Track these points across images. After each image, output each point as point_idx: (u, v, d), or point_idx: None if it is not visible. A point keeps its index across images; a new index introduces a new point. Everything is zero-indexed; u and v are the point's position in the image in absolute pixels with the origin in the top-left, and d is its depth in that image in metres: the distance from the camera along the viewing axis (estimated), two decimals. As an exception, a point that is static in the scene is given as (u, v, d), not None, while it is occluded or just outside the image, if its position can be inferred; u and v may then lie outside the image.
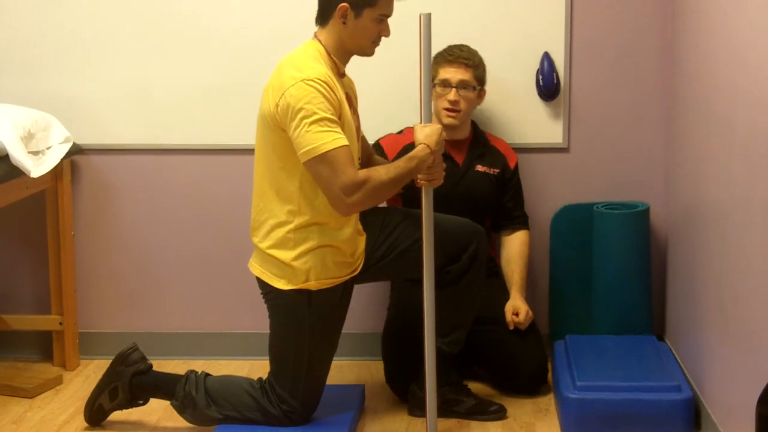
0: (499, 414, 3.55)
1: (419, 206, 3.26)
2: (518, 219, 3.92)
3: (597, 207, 3.90)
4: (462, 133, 3.83)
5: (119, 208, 4.10)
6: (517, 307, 3.77)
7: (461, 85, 3.71)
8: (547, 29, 3.89)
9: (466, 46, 3.78)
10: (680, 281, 3.75)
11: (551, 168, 4.00)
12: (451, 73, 3.72)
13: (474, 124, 3.89)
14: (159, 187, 4.08)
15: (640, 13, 3.90)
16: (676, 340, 3.81)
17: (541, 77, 3.88)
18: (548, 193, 4.01)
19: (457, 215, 3.51)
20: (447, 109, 3.72)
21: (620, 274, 3.85)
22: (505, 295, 3.84)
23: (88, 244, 4.13)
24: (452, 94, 3.71)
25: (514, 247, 3.89)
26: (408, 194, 3.60)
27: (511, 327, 3.75)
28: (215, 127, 4.01)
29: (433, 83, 3.67)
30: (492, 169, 3.84)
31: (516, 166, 3.90)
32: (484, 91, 3.81)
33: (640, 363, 3.61)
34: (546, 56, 3.88)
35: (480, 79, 3.77)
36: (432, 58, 3.44)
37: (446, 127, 3.61)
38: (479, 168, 3.83)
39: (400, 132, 3.86)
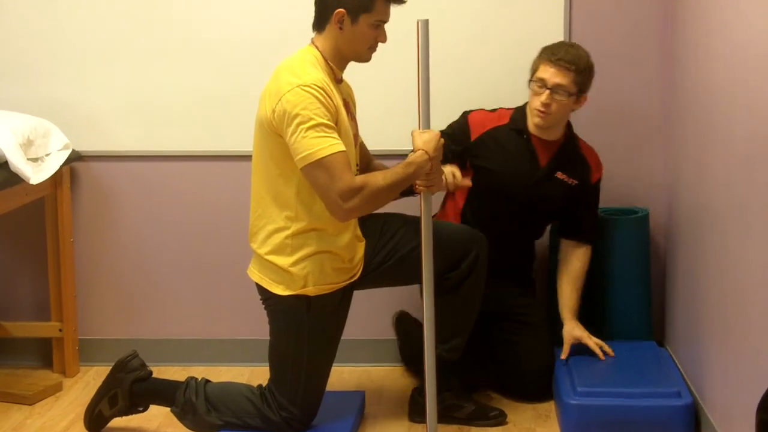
0: (500, 419, 3.55)
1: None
2: (587, 233, 3.80)
3: (597, 212, 3.90)
4: (553, 134, 3.72)
5: (118, 214, 4.11)
6: (577, 337, 3.71)
7: (557, 88, 3.60)
8: (545, 34, 3.87)
9: (576, 48, 3.65)
10: (680, 286, 3.74)
11: (551, 174, 3.99)
12: (550, 74, 3.59)
13: (569, 128, 3.77)
14: (158, 193, 4.08)
15: (639, 18, 3.90)
16: (676, 345, 3.80)
17: (541, 84, 3.88)
18: (548, 198, 4.00)
19: (520, 216, 3.61)
20: (538, 110, 3.64)
21: (620, 279, 3.85)
22: (520, 290, 3.84)
23: (87, 251, 4.13)
24: (545, 96, 3.59)
25: (577, 264, 3.79)
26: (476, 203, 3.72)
27: (565, 356, 3.69)
28: (214, 134, 4.01)
29: (531, 77, 3.64)
30: (571, 180, 3.73)
31: (598, 181, 3.79)
32: (585, 98, 3.67)
33: (640, 368, 3.61)
34: (546, 62, 3.87)
35: (581, 85, 3.62)
36: (539, 53, 3.57)
37: (535, 127, 3.62)
38: (559, 175, 3.73)
39: (494, 111, 3.78)
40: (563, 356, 3.67)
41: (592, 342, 3.68)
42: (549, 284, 4.01)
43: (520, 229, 3.80)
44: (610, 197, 3.96)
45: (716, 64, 3.18)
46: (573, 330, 3.72)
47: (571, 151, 3.75)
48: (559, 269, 3.82)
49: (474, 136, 3.70)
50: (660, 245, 3.99)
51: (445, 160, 3.41)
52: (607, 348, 3.68)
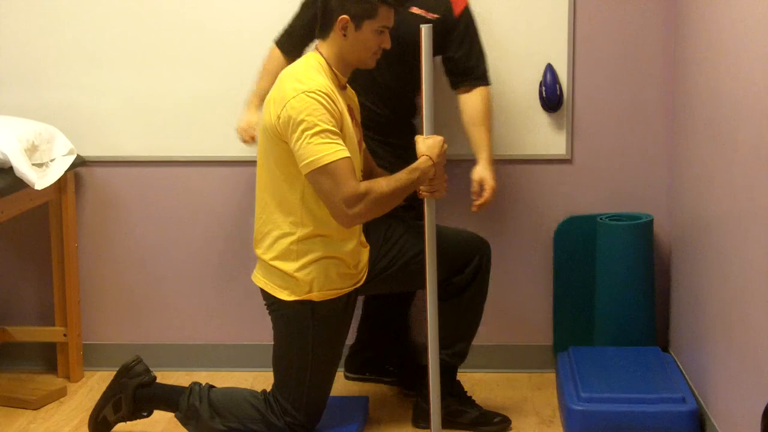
0: (503, 425, 3.55)
1: None
2: (473, 71, 3.65)
3: (600, 218, 3.90)
4: None
5: (123, 219, 4.11)
6: (484, 179, 3.56)
7: None
8: (550, 41, 3.89)
9: None
10: (684, 292, 3.74)
11: (555, 179, 4.00)
12: None
13: None
14: (162, 198, 4.09)
15: (643, 25, 3.90)
16: (680, 351, 3.80)
17: (544, 89, 3.89)
18: (552, 204, 4.00)
19: (390, 65, 3.44)
20: None
21: (624, 285, 3.84)
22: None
23: (91, 256, 4.13)
24: None
25: (476, 105, 3.64)
26: None
27: (476, 205, 3.55)
28: (219, 140, 4.01)
29: None
30: (430, 14, 3.53)
31: (465, 12, 3.61)
32: None
33: (645, 374, 3.61)
34: (549, 68, 3.88)
35: None
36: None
37: None
38: (415, 10, 3.54)
39: None
40: (474, 197, 3.56)
41: (489, 188, 3.55)
42: (554, 301, 4.01)
43: (396, 80, 3.60)
44: (613, 203, 3.97)
45: (721, 69, 3.19)
46: (482, 171, 3.57)
47: None
48: (463, 120, 3.66)
49: None
50: (664, 251, 3.99)
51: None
52: (487, 194, 3.54)
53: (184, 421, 3.41)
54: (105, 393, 3.50)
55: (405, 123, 3.72)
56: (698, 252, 3.49)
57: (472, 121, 3.64)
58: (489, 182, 3.55)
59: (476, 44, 3.67)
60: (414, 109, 3.70)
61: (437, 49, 3.37)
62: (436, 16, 3.53)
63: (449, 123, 3.66)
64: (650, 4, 3.89)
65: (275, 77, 3.29)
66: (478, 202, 3.56)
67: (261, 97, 3.50)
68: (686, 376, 3.63)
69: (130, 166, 4.07)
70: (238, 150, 3.96)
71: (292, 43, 3.70)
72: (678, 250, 3.86)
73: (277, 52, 3.71)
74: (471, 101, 3.65)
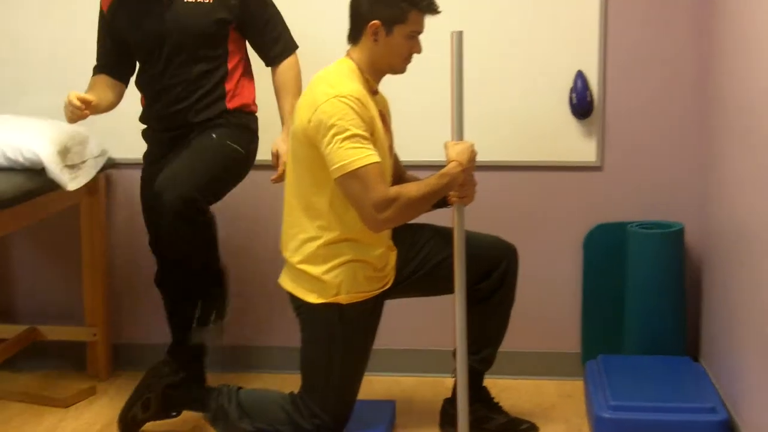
0: (530, 432, 3.55)
1: None
2: (275, 47, 3.63)
3: (631, 226, 3.88)
4: None
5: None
6: (280, 150, 3.57)
7: None
8: (581, 47, 3.88)
9: None
10: (715, 302, 3.72)
11: (585, 187, 3.99)
12: None
13: None
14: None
15: (675, 31, 3.88)
16: (711, 361, 3.78)
17: (574, 95, 3.88)
18: (581, 211, 3.99)
19: (167, 56, 3.49)
20: None
21: (654, 293, 3.82)
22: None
23: (121, 257, 4.16)
24: None
25: (286, 74, 3.63)
26: None
27: (272, 179, 3.56)
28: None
29: None
30: None
31: None
32: None
33: (675, 384, 3.58)
34: (579, 74, 3.87)
35: None
36: None
37: None
38: None
39: None
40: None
41: (282, 161, 3.54)
42: (583, 308, 4.00)
43: (184, 74, 3.55)
44: (644, 211, 3.95)
45: (754, 76, 3.17)
46: (279, 141, 3.60)
47: None
48: (274, 89, 3.64)
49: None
50: (695, 259, 3.97)
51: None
52: (281, 167, 3.52)
53: (212, 421, 3.42)
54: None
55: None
56: (730, 261, 3.47)
57: (281, 91, 3.63)
58: (283, 155, 3.54)
59: (273, 16, 3.63)
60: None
61: (219, 35, 3.53)
62: (209, 0, 3.51)
63: (473, 127, 3.65)
64: (681, 10, 3.87)
65: (100, 97, 3.53)
66: (273, 177, 3.59)
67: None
68: (716, 386, 3.60)
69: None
70: (267, 154, 3.97)
71: (110, 67, 3.70)
72: (709, 258, 3.83)
73: (103, 77, 3.71)
74: (281, 72, 3.64)
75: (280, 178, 3.52)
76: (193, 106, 3.55)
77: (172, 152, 3.55)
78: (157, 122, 3.65)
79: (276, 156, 3.60)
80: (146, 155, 3.73)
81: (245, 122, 3.63)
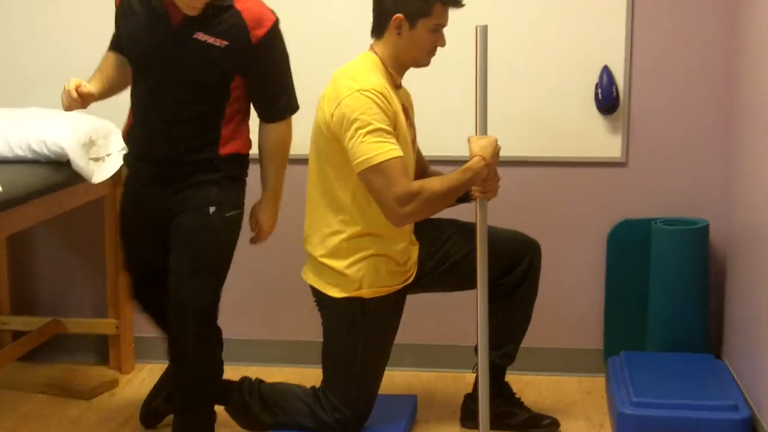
0: (552, 428, 3.54)
1: None
2: (275, 108, 3.26)
3: (655, 223, 3.87)
4: None
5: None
6: (264, 222, 3.37)
7: None
8: (607, 43, 3.86)
9: None
10: (739, 299, 3.70)
11: (609, 182, 3.97)
12: None
13: None
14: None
15: (701, 27, 3.86)
16: (734, 359, 3.76)
17: (600, 91, 3.86)
18: (606, 207, 3.98)
19: (170, 90, 3.12)
20: None
21: (677, 290, 3.81)
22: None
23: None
24: None
25: (274, 139, 3.27)
26: None
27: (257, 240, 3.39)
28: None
29: None
30: (220, 41, 3.08)
31: (267, 37, 3.12)
32: None
33: (697, 381, 3.57)
34: (605, 70, 3.85)
35: None
36: None
37: None
38: (200, 36, 3.08)
39: None
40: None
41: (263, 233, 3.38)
42: (605, 305, 3.98)
43: (177, 105, 3.16)
44: (668, 208, 3.93)
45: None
46: (261, 213, 3.37)
47: (216, 8, 3.09)
48: (261, 149, 3.30)
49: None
50: (719, 256, 3.94)
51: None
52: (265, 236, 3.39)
53: (234, 414, 3.43)
54: (157, 385, 3.54)
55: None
56: (754, 258, 3.45)
57: (269, 158, 3.30)
58: (265, 226, 3.38)
59: (284, 76, 3.25)
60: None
61: (223, 81, 3.15)
62: (225, 42, 3.09)
63: (497, 122, 3.64)
64: (708, 6, 3.85)
65: (107, 77, 3.30)
66: (253, 239, 3.43)
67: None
68: (739, 383, 3.59)
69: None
70: (291, 148, 3.97)
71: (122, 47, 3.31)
72: (734, 255, 3.81)
73: (112, 55, 3.36)
74: (274, 136, 3.28)
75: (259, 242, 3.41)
76: (181, 141, 3.17)
77: (158, 214, 3.22)
78: (139, 147, 3.28)
79: (257, 226, 3.37)
80: (126, 185, 3.41)
81: (236, 173, 3.28)
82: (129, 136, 3.31)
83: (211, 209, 3.19)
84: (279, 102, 3.25)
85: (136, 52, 3.19)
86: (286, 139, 3.31)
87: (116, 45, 3.33)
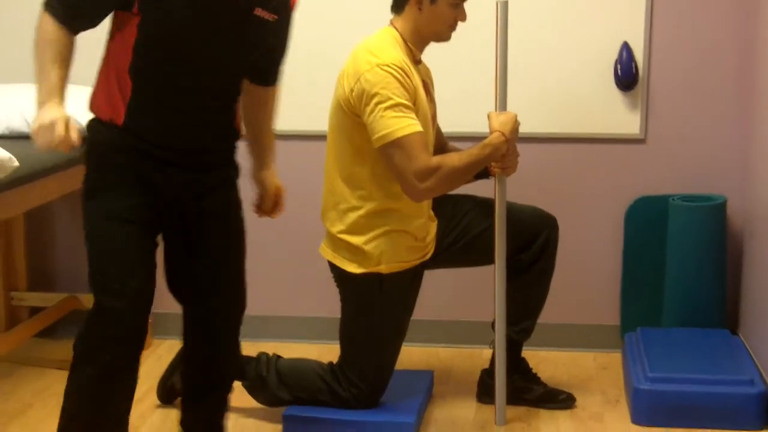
0: (568, 403, 3.54)
1: None
2: (278, 71, 3.00)
3: (673, 199, 3.86)
4: None
5: (194, 190, 4.15)
6: (278, 187, 3.12)
7: None
8: (627, 19, 3.85)
9: None
10: (756, 275, 3.70)
11: (627, 159, 3.97)
12: None
13: None
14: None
15: (720, 3, 3.84)
16: (750, 334, 3.76)
17: (619, 67, 3.85)
18: (624, 183, 3.97)
19: (219, 76, 2.72)
20: None
21: (695, 267, 3.81)
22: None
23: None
24: None
25: (274, 101, 3.05)
26: None
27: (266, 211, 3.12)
28: (288, 113, 4.01)
29: None
30: (271, 15, 2.75)
31: (294, 8, 2.86)
32: None
33: (713, 356, 3.58)
34: (625, 46, 3.84)
35: None
36: None
37: None
38: (258, 12, 2.71)
39: None
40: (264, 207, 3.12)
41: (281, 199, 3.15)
42: (622, 281, 3.98)
43: (220, 92, 2.79)
44: (686, 184, 3.93)
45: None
46: (274, 177, 3.12)
47: None
48: (250, 114, 2.99)
49: None
50: (736, 233, 3.94)
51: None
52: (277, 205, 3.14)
53: (251, 389, 3.45)
54: (173, 361, 3.55)
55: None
56: (772, 234, 3.45)
57: (269, 115, 3.06)
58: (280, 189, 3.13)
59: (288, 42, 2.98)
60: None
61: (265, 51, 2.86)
62: (275, 17, 2.78)
63: (516, 99, 3.64)
64: (728, -18, 3.84)
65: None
66: (273, 213, 3.17)
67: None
68: (755, 359, 3.59)
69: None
70: (308, 124, 3.98)
71: (89, 20, 2.66)
72: (751, 232, 3.81)
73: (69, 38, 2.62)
74: (272, 97, 3.04)
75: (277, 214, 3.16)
76: (215, 129, 2.83)
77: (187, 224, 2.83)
78: (155, 134, 2.71)
79: (276, 192, 3.12)
80: (108, 188, 2.69)
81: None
82: (134, 120, 2.67)
83: (240, 212, 2.98)
84: (281, 65, 2.99)
85: (185, 32, 2.63)
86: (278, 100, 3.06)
87: (83, 17, 2.61)
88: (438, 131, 3.44)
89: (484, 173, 3.30)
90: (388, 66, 3.06)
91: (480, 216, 3.37)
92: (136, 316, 2.70)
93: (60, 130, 2.46)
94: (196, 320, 2.97)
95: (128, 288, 2.67)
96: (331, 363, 3.40)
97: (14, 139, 3.53)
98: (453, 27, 3.22)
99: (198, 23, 2.62)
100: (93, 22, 2.64)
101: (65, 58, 2.57)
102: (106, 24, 2.70)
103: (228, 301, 2.97)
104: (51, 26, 2.55)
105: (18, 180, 3.21)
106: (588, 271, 4.05)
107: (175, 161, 2.74)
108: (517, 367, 3.52)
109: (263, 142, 3.08)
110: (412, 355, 3.96)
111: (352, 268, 3.27)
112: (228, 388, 3.09)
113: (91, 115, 2.77)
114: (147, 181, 2.70)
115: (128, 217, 2.67)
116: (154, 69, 2.66)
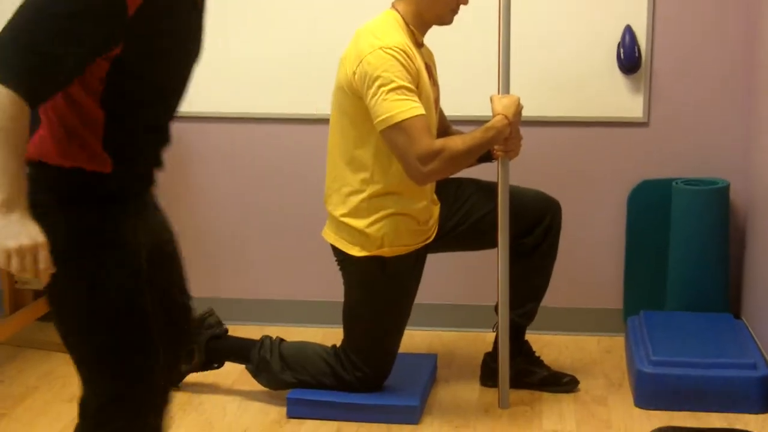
0: (571, 386, 3.55)
1: None
2: None
3: (676, 183, 3.86)
4: None
5: (197, 174, 4.16)
6: None
7: None
8: (630, 2, 3.84)
9: None
10: (759, 259, 3.70)
11: (630, 142, 3.96)
12: None
13: None
14: (238, 154, 4.12)
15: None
16: (753, 318, 3.76)
17: (622, 50, 3.84)
18: (626, 167, 3.97)
19: (172, 90, 2.30)
20: None
21: (697, 250, 3.81)
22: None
23: (167, 210, 4.15)
24: None
25: None
26: None
27: None
28: (292, 97, 4.04)
29: None
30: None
31: None
32: None
33: (716, 340, 3.58)
34: (628, 29, 3.83)
35: None
36: None
37: None
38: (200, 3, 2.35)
39: None
40: None
41: None
42: (626, 264, 3.99)
43: (175, 103, 2.36)
44: (689, 168, 3.93)
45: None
46: None
47: None
48: None
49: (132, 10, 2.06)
50: (739, 217, 3.94)
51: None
52: None
53: (255, 373, 3.46)
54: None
55: None
56: (775, 218, 3.45)
57: None
58: None
59: None
60: None
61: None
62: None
63: (519, 82, 3.64)
64: (732, -34, 3.83)
65: None
66: None
67: None
68: (758, 343, 3.59)
69: (207, 122, 4.11)
70: (312, 108, 3.98)
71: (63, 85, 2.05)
72: (754, 216, 3.81)
73: None
74: None
75: None
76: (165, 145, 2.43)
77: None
78: (144, 165, 2.34)
79: None
80: (115, 244, 2.19)
81: None
82: (128, 160, 2.23)
83: None
84: None
85: (179, 55, 2.26)
86: None
87: (61, 84, 2.01)
88: (441, 115, 3.44)
89: (487, 156, 3.30)
90: (390, 49, 3.06)
91: (483, 199, 3.37)
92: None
93: (47, 259, 1.94)
94: (169, 368, 2.43)
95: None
96: (334, 346, 3.41)
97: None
98: (455, 10, 3.21)
99: (177, 30, 2.22)
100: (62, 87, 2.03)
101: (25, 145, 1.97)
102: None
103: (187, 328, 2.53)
104: (10, 104, 1.90)
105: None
106: (591, 255, 4.05)
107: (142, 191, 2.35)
108: (521, 351, 3.53)
109: None
110: (415, 338, 3.96)
111: (355, 252, 3.27)
112: None
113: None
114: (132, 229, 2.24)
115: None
116: (131, 94, 2.16)
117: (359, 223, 3.24)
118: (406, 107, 3.04)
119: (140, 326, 2.19)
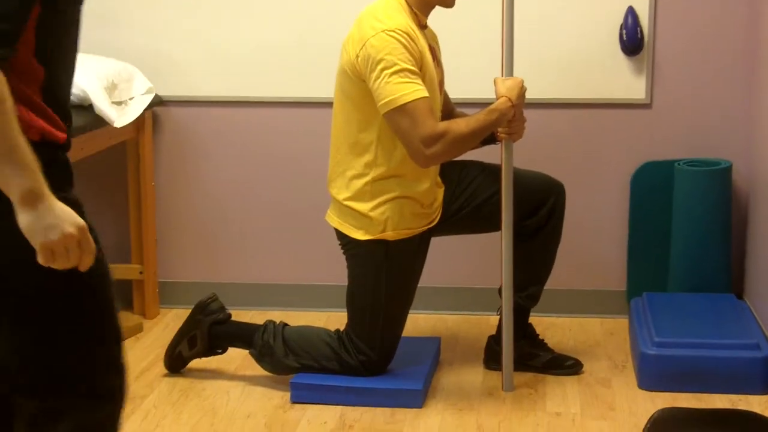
0: (575, 368, 3.55)
1: None
2: None
3: (678, 164, 3.85)
4: None
5: (199, 159, 4.15)
6: None
7: None
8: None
9: None
10: (762, 240, 3.70)
11: (633, 124, 3.96)
12: None
13: None
14: (238, 139, 4.11)
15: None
16: (755, 298, 3.76)
17: (624, 32, 3.83)
18: (629, 149, 3.96)
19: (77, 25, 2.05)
20: None
21: (700, 231, 3.80)
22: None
23: (168, 195, 4.18)
24: None
25: None
26: None
27: None
28: (294, 80, 4.02)
29: None
30: None
31: None
32: None
33: (719, 320, 3.58)
34: (630, 10, 3.82)
35: None
36: None
37: None
38: None
39: None
40: None
41: None
42: (629, 246, 3.98)
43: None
44: (692, 149, 3.92)
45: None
46: None
47: None
48: None
49: None
50: (742, 198, 3.94)
51: None
52: None
53: (258, 358, 3.45)
54: (181, 329, 3.55)
55: None
56: (778, 199, 3.44)
57: None
58: None
59: None
60: None
61: None
62: None
63: (522, 64, 3.62)
64: (734, -55, 3.81)
65: None
66: None
67: None
68: (761, 323, 3.60)
69: (207, 107, 4.10)
70: (315, 91, 3.97)
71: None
72: (756, 196, 3.80)
73: None
74: None
75: None
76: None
77: None
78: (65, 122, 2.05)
79: None
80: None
81: None
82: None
83: None
84: None
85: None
86: None
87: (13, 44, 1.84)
88: (445, 97, 3.43)
89: (490, 139, 3.29)
90: (393, 31, 3.05)
91: (487, 182, 3.36)
92: None
93: (91, 241, 1.83)
94: None
95: None
96: (338, 330, 3.41)
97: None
98: (458, -9, 3.21)
99: None
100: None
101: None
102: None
103: None
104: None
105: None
106: (594, 237, 4.04)
107: None
108: (524, 333, 3.53)
109: None
110: (418, 322, 3.96)
111: (359, 235, 3.27)
112: None
113: None
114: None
115: None
116: (60, 42, 2.00)
117: (363, 207, 3.24)
118: (410, 90, 3.03)
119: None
